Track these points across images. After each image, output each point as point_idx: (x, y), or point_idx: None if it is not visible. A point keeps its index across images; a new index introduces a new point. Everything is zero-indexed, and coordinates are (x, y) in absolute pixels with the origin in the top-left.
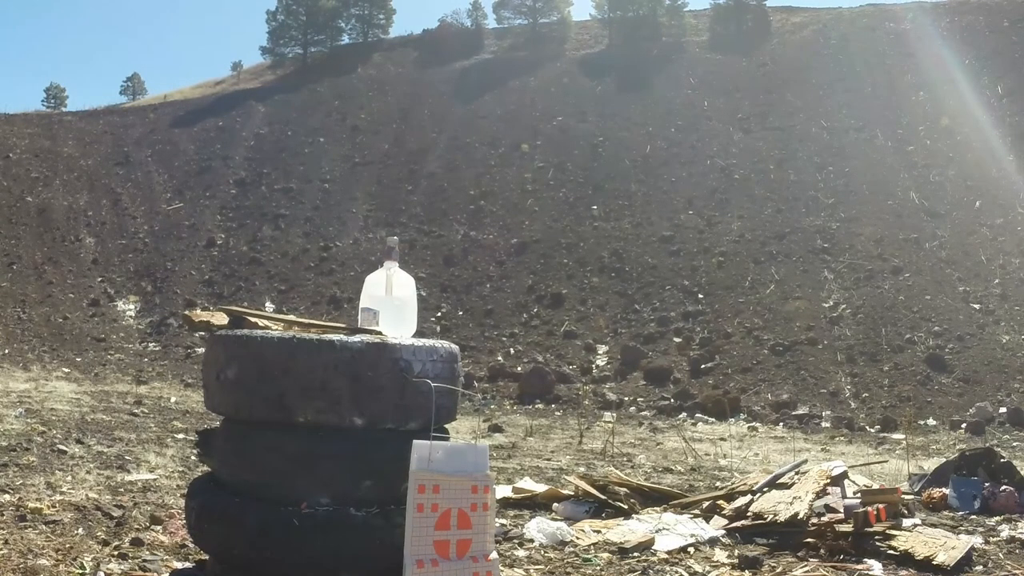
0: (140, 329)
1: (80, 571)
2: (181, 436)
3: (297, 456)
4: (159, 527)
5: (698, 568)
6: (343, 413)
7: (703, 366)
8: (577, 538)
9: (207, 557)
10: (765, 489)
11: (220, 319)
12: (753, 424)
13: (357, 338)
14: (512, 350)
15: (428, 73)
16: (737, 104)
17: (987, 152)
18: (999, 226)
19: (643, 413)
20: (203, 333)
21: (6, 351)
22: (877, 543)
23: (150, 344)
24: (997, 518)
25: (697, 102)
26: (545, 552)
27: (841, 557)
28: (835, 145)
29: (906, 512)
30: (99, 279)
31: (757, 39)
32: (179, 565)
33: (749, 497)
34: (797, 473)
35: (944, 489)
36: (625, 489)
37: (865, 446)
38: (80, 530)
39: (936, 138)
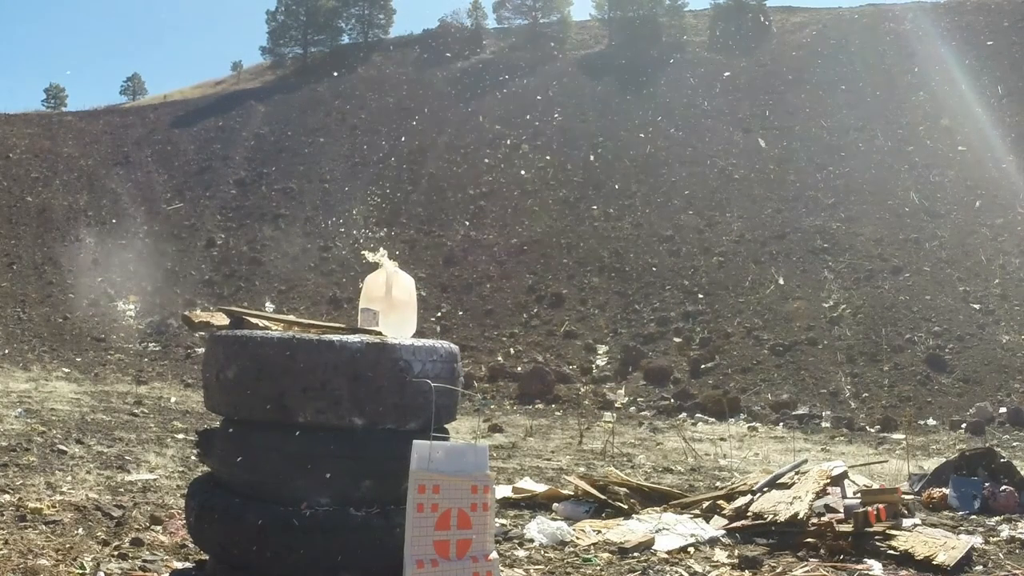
0: (140, 329)
1: (80, 571)
2: (181, 436)
3: (297, 456)
4: (159, 527)
5: (698, 568)
6: (343, 413)
7: (703, 366)
8: (577, 538)
9: (207, 557)
10: (765, 489)
11: (220, 319)
12: (753, 424)
13: (357, 338)
14: (512, 350)
15: (428, 73)
16: (737, 104)
17: (987, 152)
18: (999, 226)
19: (643, 413)
20: (203, 333)
21: (6, 351)
22: (877, 543)
23: (150, 344)
24: (997, 518)
25: (697, 102)
26: (545, 552)
27: (841, 557)
28: (835, 145)
29: (906, 512)
30: (99, 279)
31: (757, 39)
32: (179, 565)
33: (749, 497)
34: (797, 473)
35: (944, 489)
36: (625, 489)
37: (865, 446)
38: (80, 530)
39: (936, 138)
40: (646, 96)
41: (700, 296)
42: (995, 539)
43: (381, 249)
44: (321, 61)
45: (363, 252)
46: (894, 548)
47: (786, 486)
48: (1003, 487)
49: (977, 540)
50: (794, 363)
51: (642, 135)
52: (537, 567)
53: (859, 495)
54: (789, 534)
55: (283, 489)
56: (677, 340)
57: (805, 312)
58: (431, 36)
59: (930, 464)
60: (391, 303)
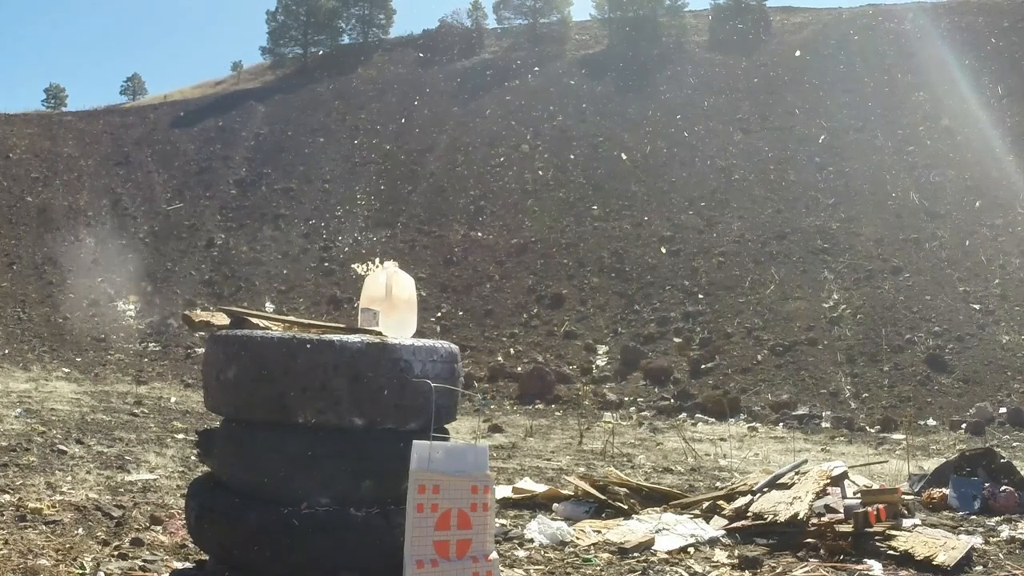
0: (140, 329)
1: (80, 571)
2: (181, 436)
3: (297, 456)
4: (159, 527)
5: (698, 568)
6: (343, 413)
7: (703, 366)
8: (577, 538)
9: (207, 557)
10: (765, 489)
11: (220, 319)
12: (753, 424)
13: (357, 338)
14: (512, 350)
15: (428, 73)
16: (737, 104)
17: (987, 152)
18: (999, 226)
19: (643, 413)
20: (203, 333)
21: (6, 351)
22: (877, 543)
23: (150, 344)
24: (997, 518)
25: (697, 102)
26: (545, 552)
27: (841, 557)
28: (835, 145)
29: (906, 512)
30: (99, 279)
31: (757, 39)
32: (179, 565)
33: (749, 497)
34: (797, 473)
35: (944, 489)
36: (625, 489)
37: (865, 446)
38: (80, 530)
39: (936, 138)
40: (646, 96)
41: (700, 296)
42: (995, 539)
43: (376, 260)
44: (321, 61)
45: (353, 266)
46: (894, 548)
47: (786, 486)
48: (1003, 487)
49: (977, 540)
50: (794, 363)
51: (642, 135)
52: (537, 567)
53: (859, 495)
54: (789, 534)
55: (283, 489)
56: (677, 340)
57: (805, 312)
58: (431, 36)
59: (930, 464)
60: (391, 303)
